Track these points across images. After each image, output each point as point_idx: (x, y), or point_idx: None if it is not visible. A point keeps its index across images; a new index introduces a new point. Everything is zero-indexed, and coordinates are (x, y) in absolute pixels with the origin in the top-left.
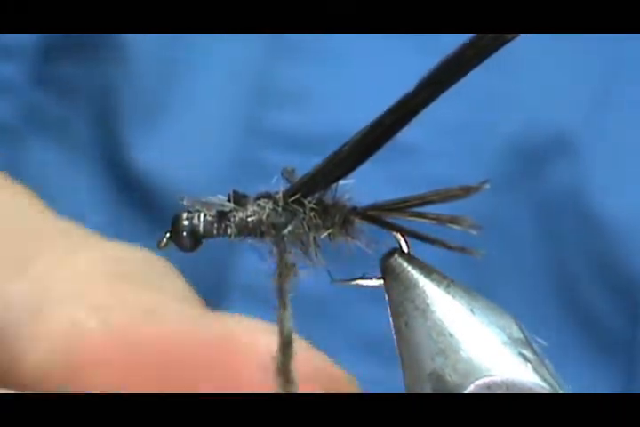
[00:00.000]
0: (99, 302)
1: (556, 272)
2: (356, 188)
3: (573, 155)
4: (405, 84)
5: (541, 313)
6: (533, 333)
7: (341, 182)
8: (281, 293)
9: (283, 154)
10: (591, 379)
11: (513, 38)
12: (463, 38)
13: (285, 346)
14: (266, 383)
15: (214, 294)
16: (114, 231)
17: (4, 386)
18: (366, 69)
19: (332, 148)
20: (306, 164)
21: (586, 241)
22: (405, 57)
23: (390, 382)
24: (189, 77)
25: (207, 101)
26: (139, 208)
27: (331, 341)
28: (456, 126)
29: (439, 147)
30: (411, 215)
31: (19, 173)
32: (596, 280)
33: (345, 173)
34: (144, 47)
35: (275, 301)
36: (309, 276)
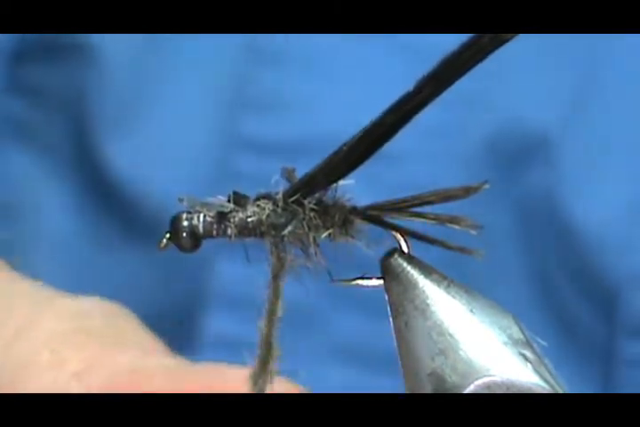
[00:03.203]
0: (77, 368)
1: (534, 276)
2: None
3: (551, 158)
4: (382, 92)
5: (519, 316)
6: None
7: (341, 182)
8: (275, 292)
9: (256, 159)
10: (569, 382)
11: (511, 38)
12: (439, 42)
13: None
14: None
15: (191, 304)
16: (88, 236)
17: None
18: (343, 76)
19: (307, 154)
20: (279, 170)
21: (562, 244)
22: (383, 65)
23: (372, 389)
24: (162, 81)
25: (181, 105)
26: (113, 212)
27: (311, 348)
28: (432, 130)
29: (417, 151)
30: (410, 215)
31: None
32: (572, 284)
33: (345, 173)
34: (116, 51)
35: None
36: (293, 283)
